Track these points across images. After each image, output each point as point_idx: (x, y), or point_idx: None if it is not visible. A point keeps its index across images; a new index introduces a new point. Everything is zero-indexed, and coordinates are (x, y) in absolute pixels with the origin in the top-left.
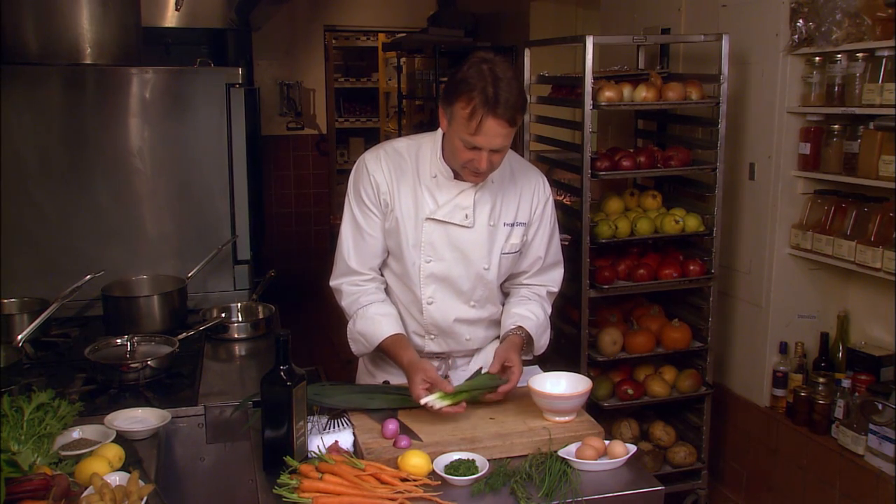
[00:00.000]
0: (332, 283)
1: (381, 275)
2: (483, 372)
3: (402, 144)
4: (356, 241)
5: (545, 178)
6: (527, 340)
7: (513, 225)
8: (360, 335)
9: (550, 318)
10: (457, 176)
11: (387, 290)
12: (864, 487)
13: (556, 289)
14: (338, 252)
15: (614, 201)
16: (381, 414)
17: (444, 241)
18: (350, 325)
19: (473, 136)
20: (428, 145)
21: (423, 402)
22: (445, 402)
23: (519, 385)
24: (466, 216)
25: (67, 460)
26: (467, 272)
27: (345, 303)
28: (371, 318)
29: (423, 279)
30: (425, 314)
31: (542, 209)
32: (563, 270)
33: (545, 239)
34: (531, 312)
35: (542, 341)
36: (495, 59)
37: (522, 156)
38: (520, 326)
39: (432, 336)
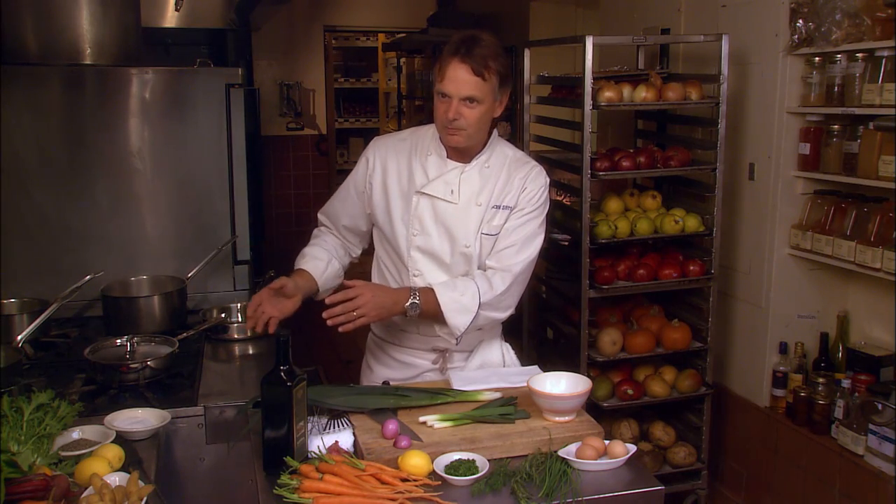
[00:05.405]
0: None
1: (346, 239)
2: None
3: (407, 132)
4: (334, 201)
5: (544, 172)
6: (431, 299)
7: (498, 207)
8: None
9: (551, 319)
10: (450, 157)
11: (379, 263)
12: (864, 487)
13: (499, 265)
14: None
15: (614, 201)
16: (381, 414)
17: (430, 216)
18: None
19: (442, 84)
20: (429, 129)
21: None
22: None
23: (519, 385)
24: (452, 192)
25: (67, 461)
26: (451, 248)
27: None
28: (302, 252)
29: (411, 252)
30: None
31: (529, 196)
32: (527, 256)
33: (521, 221)
34: (453, 281)
35: (447, 301)
36: (482, 33)
37: None
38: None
39: None
